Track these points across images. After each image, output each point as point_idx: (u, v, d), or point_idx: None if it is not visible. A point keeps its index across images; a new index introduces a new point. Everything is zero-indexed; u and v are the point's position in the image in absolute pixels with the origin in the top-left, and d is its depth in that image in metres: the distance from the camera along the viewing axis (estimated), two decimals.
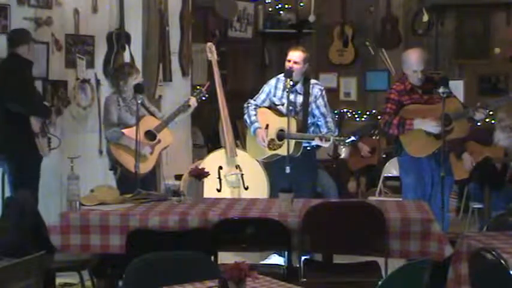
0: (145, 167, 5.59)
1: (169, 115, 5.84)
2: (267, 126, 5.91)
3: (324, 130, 5.73)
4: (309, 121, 5.79)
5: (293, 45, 7.02)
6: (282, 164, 5.41)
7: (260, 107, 5.93)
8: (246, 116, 5.97)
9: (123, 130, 5.64)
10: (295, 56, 5.73)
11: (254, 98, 5.98)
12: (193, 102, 5.89)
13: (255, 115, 5.91)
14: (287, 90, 5.41)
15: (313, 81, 5.89)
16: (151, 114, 5.82)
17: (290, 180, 5.14)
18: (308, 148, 5.79)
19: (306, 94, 5.76)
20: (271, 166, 5.95)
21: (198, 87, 6.08)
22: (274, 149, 5.84)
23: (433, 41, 8.81)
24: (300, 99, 5.77)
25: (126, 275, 3.11)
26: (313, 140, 5.58)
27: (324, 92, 5.83)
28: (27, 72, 5.64)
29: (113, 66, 6.53)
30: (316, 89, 5.80)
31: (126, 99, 5.75)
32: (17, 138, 5.58)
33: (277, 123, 5.79)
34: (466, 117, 5.44)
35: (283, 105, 5.75)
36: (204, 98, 5.99)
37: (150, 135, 5.73)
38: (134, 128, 5.34)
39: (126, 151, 5.63)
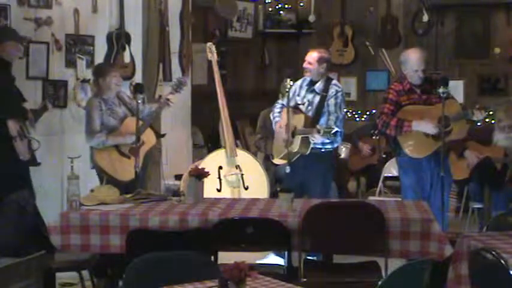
0: (130, 174, 5.42)
1: (148, 114, 5.72)
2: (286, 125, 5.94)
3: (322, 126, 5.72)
4: (322, 121, 5.75)
5: (293, 45, 7.02)
6: (293, 163, 5.46)
7: (286, 106, 5.95)
8: (271, 115, 6.13)
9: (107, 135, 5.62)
10: (309, 56, 5.89)
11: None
12: (166, 96, 5.84)
13: (279, 112, 6.00)
14: (287, 90, 5.46)
15: (334, 81, 5.98)
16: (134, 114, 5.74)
17: (301, 180, 5.31)
18: (322, 150, 5.76)
19: (324, 94, 5.83)
20: (281, 166, 6.00)
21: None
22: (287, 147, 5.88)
23: (433, 41, 8.80)
24: (317, 98, 5.83)
25: (126, 275, 3.12)
26: (311, 133, 5.56)
27: (338, 94, 5.84)
28: None
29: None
30: (333, 89, 5.85)
31: (107, 101, 5.70)
32: None
33: (294, 121, 5.81)
34: (465, 119, 5.44)
35: (303, 104, 5.86)
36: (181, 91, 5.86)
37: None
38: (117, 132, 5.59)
39: (110, 158, 5.62)
